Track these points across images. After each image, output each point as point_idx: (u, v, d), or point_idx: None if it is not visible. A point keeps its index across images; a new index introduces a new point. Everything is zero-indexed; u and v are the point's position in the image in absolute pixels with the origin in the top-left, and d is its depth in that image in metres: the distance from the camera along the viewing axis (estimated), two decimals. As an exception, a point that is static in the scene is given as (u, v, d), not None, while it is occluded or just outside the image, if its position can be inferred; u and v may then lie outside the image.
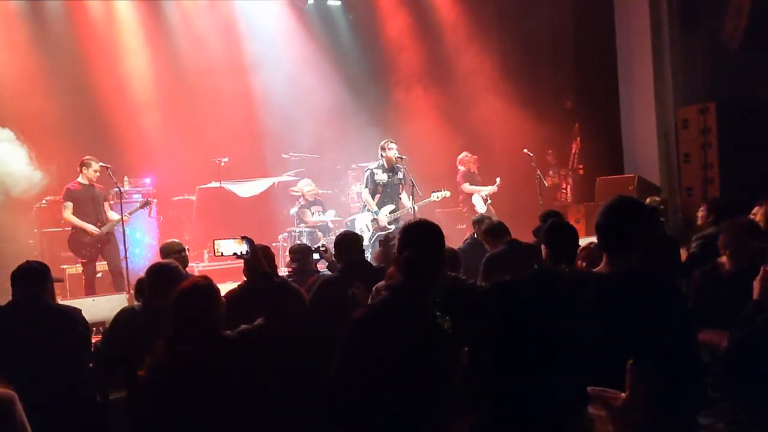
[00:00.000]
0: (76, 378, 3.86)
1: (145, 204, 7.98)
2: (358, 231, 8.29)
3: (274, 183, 10.59)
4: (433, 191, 8.25)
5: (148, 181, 9.63)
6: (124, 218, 7.50)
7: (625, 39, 11.48)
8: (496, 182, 9.84)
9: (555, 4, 12.17)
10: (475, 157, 10.31)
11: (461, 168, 10.14)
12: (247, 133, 10.95)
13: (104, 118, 9.87)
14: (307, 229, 9.17)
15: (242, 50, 11.32)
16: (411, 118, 11.47)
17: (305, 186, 9.55)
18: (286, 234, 9.40)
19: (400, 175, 8.20)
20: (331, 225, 9.38)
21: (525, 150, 9.55)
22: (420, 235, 2.72)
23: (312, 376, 3.34)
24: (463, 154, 10.24)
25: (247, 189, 10.50)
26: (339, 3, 12.48)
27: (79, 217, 7.49)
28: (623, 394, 1.72)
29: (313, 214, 9.41)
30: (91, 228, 7.45)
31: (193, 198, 10.29)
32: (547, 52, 12.49)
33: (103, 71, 10.13)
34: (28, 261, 3.98)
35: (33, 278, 3.85)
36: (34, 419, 3.36)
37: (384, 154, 8.16)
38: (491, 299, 1.74)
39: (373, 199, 8.24)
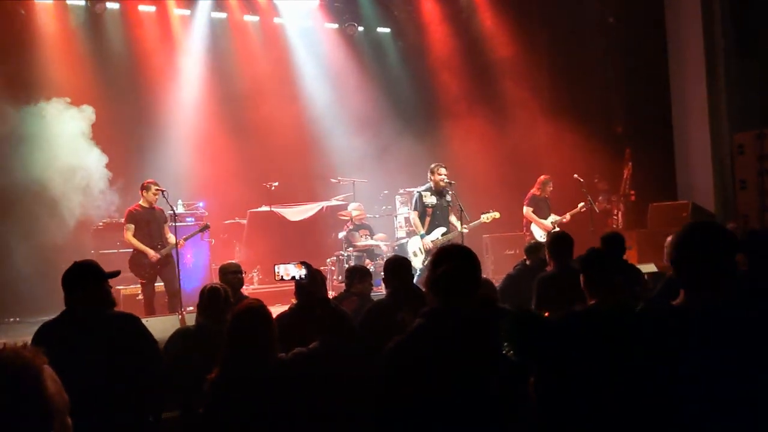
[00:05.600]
0: (128, 396, 3.63)
1: (203, 229, 8.17)
2: (410, 254, 8.24)
3: (322, 207, 10.72)
4: (483, 213, 8.21)
5: (201, 204, 9.86)
6: (180, 243, 7.68)
7: (679, 62, 11.29)
8: (578, 207, 9.23)
9: (606, 29, 12.08)
10: (544, 179, 9.47)
11: (533, 190, 9.48)
12: (297, 158, 11.17)
13: (161, 144, 10.22)
14: (355, 253, 9.23)
15: (293, 77, 11.60)
16: (459, 144, 11.50)
17: (353, 210, 9.63)
18: (335, 258, 9.48)
19: (449, 197, 8.16)
20: (382, 248, 9.42)
21: (575, 175, 9.44)
22: (449, 256, 2.64)
23: (359, 403, 3.35)
24: (542, 176, 9.52)
25: (296, 213, 10.66)
26: (388, 30, 12.64)
27: (139, 239, 7.65)
28: None
29: (361, 237, 9.47)
30: (151, 253, 7.60)
31: (244, 221, 10.50)
32: (597, 76, 12.37)
33: (160, 97, 10.51)
34: (75, 263, 3.45)
35: (81, 283, 3.38)
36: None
37: (432, 178, 8.15)
38: (569, 329, 1.71)
39: (423, 221, 8.13)
